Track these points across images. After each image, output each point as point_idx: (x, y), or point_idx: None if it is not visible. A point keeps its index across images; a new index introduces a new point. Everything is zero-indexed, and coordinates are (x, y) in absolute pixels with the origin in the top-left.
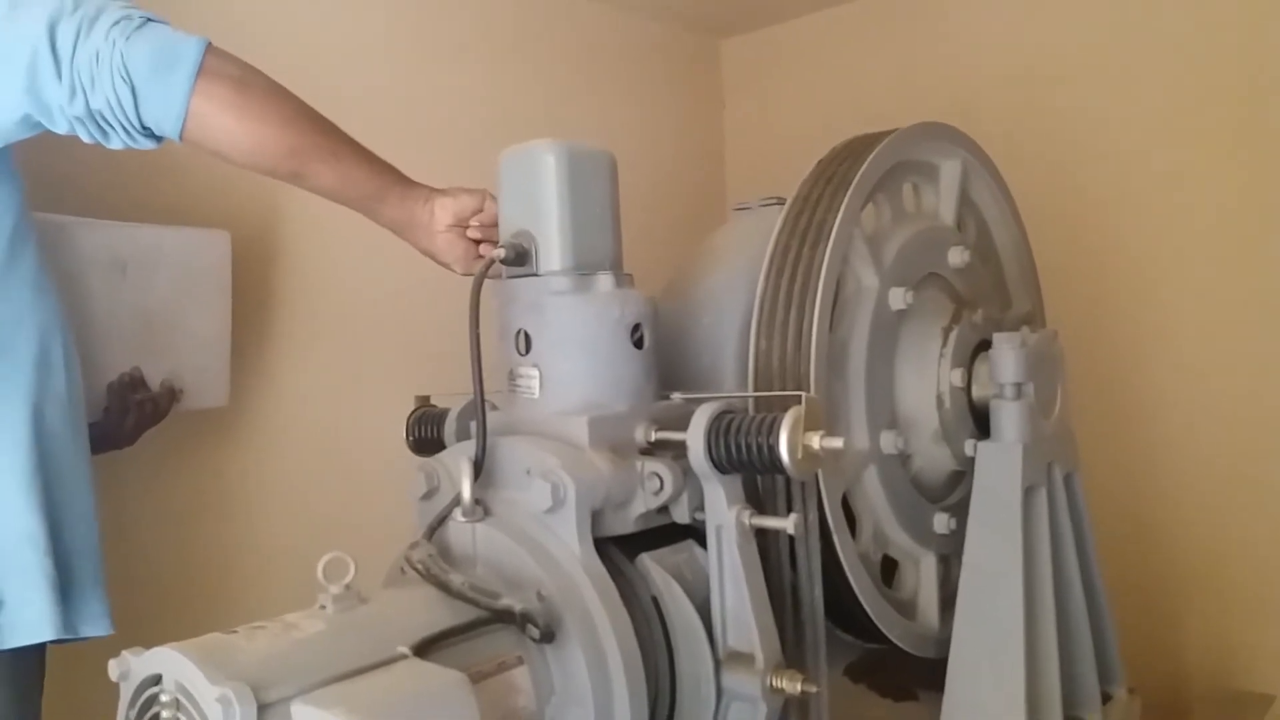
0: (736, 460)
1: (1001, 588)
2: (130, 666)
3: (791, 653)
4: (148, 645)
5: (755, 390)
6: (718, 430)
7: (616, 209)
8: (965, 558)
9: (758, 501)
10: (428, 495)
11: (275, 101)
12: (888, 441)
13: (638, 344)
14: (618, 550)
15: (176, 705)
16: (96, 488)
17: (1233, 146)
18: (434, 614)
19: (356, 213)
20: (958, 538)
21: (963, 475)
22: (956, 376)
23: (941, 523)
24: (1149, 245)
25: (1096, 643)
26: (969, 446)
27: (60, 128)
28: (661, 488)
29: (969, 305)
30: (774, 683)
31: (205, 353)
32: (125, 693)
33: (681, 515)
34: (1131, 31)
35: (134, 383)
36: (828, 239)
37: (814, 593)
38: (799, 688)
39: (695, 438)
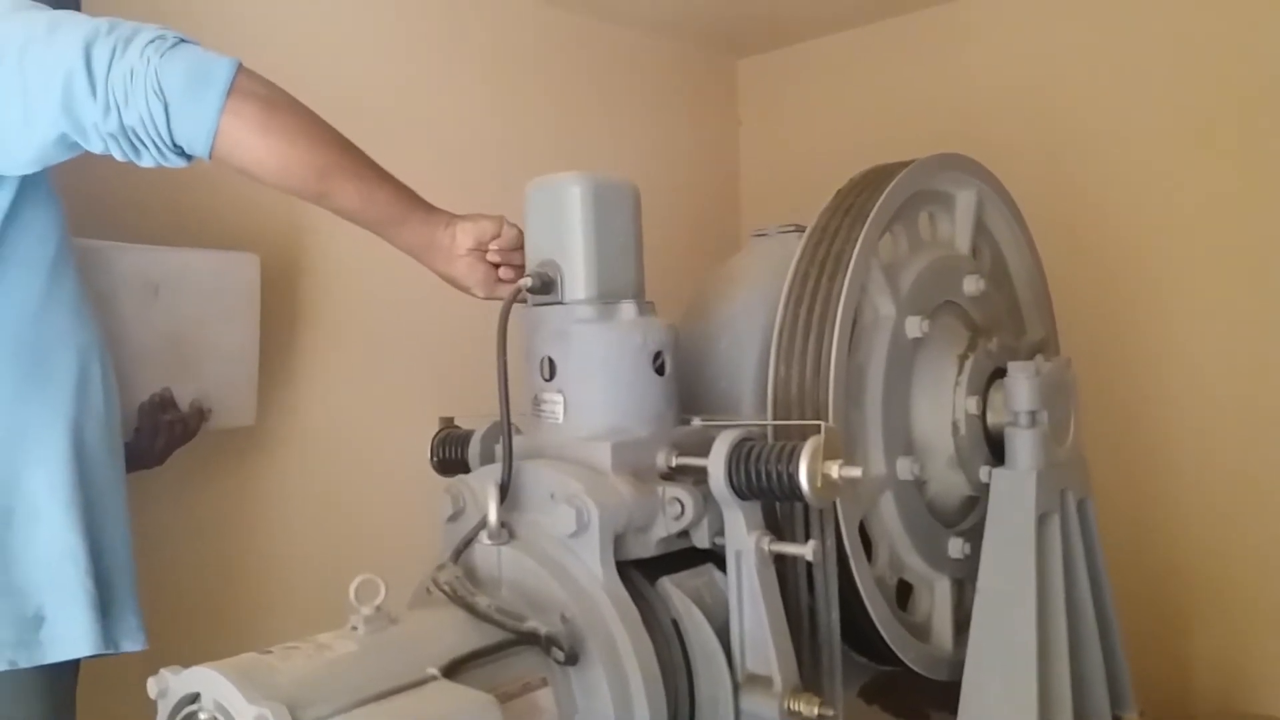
0: (756, 487)
1: (1015, 612)
2: (169, 684)
3: (808, 675)
4: (175, 660)
5: (774, 416)
6: (738, 457)
7: (639, 239)
8: (979, 582)
9: (776, 527)
10: (454, 517)
11: (303, 122)
12: (904, 468)
13: (659, 371)
14: (639, 574)
15: None
16: (129, 505)
17: (1248, 173)
18: (461, 636)
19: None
20: (972, 562)
21: (977, 501)
22: (972, 404)
23: (956, 547)
24: (1163, 271)
25: (1108, 667)
26: (984, 473)
27: (95, 146)
28: (682, 513)
29: (984, 333)
30: (791, 705)
31: (233, 373)
32: (163, 710)
33: (701, 540)
34: (1145, 58)
35: (164, 403)
36: (846, 269)
37: (831, 617)
38: (816, 710)
39: (716, 464)
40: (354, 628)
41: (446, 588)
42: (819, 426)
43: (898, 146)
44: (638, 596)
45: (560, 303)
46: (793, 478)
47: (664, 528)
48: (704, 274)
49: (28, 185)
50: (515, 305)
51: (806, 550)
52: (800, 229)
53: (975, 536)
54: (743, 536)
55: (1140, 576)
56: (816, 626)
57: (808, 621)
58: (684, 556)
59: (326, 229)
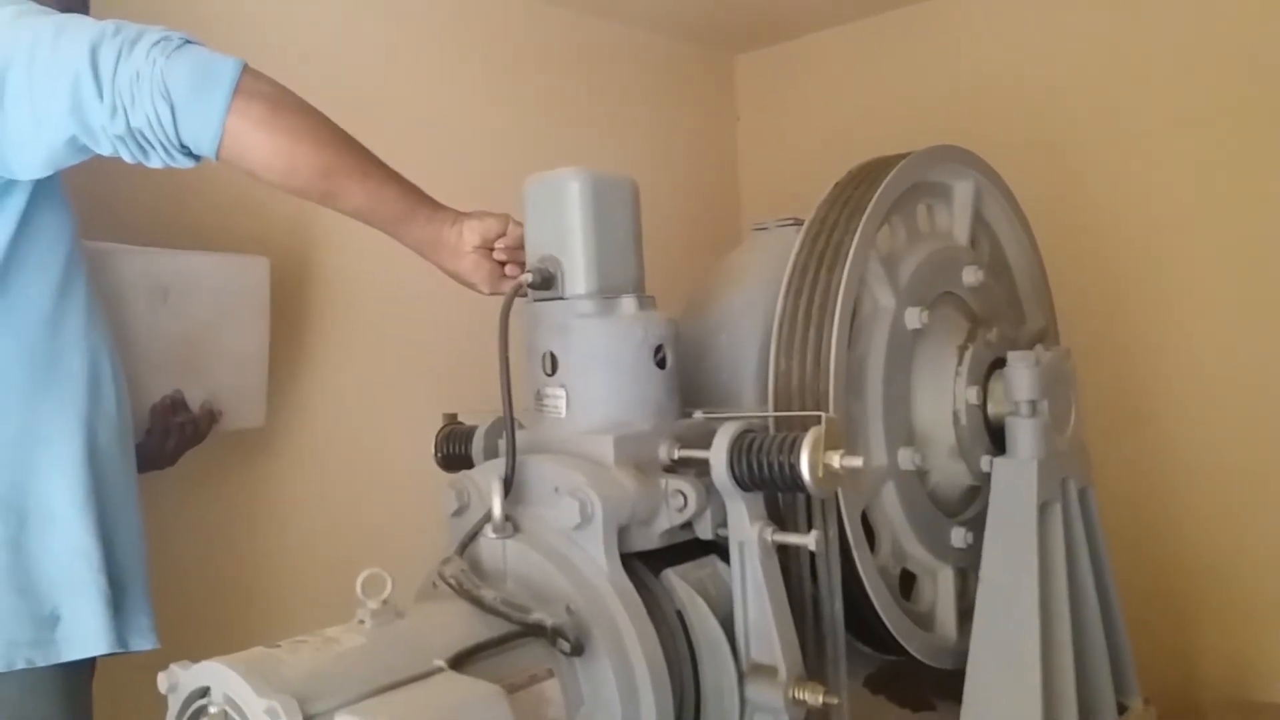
0: (758, 478)
1: (1017, 600)
2: (179, 679)
3: (813, 665)
4: (186, 658)
5: (775, 408)
6: (740, 449)
7: (639, 234)
8: (982, 571)
9: (779, 518)
10: (458, 512)
11: (308, 122)
12: (905, 458)
13: (660, 364)
14: (643, 566)
15: (225, 717)
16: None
17: (1245, 160)
18: (468, 628)
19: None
20: (974, 551)
21: (979, 490)
22: (972, 394)
23: (958, 537)
24: (1160, 259)
25: (1112, 654)
26: (985, 462)
27: (104, 148)
28: (685, 504)
29: (984, 323)
30: (796, 694)
31: (243, 375)
32: (174, 705)
33: (704, 531)
34: (1143, 50)
35: (175, 405)
36: (845, 261)
37: (834, 606)
38: (820, 699)
39: (718, 456)
40: (361, 621)
41: (452, 581)
42: (820, 417)
43: (895, 140)
44: (642, 588)
45: (561, 298)
46: (794, 468)
47: (667, 520)
48: (704, 268)
49: (40, 191)
50: (516, 301)
51: (809, 540)
52: (799, 222)
53: (978, 526)
54: (745, 528)
55: (1144, 565)
56: (820, 616)
57: (811, 611)
58: (687, 548)
59: (333, 230)
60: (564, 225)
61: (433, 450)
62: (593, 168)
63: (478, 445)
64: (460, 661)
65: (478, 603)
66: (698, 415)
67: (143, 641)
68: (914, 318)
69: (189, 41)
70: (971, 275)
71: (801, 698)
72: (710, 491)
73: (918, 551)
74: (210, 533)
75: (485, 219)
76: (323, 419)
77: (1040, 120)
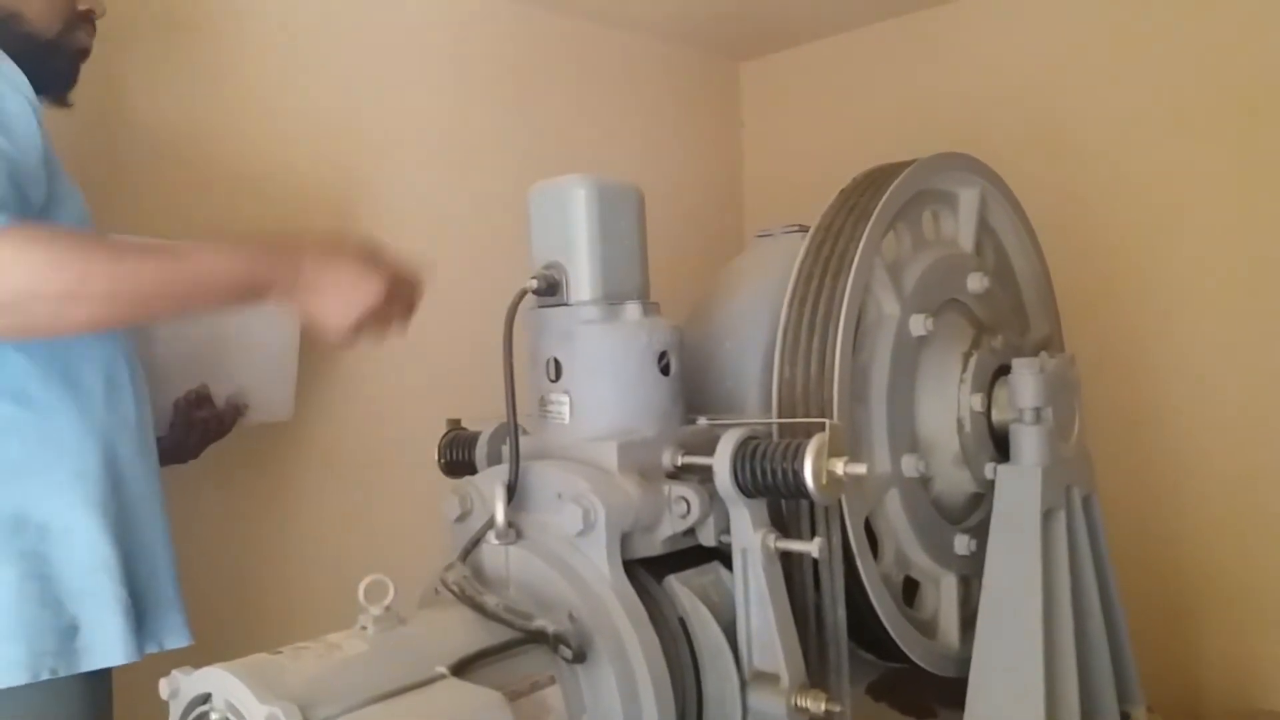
0: (762, 485)
1: (1021, 608)
2: (180, 685)
3: (815, 672)
4: (207, 657)
5: (779, 415)
6: (743, 456)
7: (644, 241)
8: (985, 579)
9: (782, 525)
10: (461, 518)
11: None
12: (909, 465)
13: (664, 371)
14: (646, 572)
15: None
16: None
17: (1248, 167)
18: (470, 635)
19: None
20: (978, 559)
21: (982, 497)
22: (976, 401)
23: (962, 544)
24: (1165, 267)
25: (1115, 662)
26: (989, 469)
27: None
28: (688, 511)
29: (988, 330)
30: (799, 702)
31: (272, 368)
32: (175, 711)
33: (708, 538)
34: (1148, 57)
35: (200, 400)
36: (850, 268)
37: (837, 614)
38: (823, 707)
39: (721, 463)
40: (364, 628)
41: (455, 587)
42: (824, 424)
43: (900, 147)
44: (645, 595)
45: (565, 304)
46: (798, 475)
47: (670, 526)
48: (708, 275)
49: (52, 198)
50: (521, 307)
51: (812, 547)
52: (804, 229)
53: (981, 533)
54: (749, 534)
55: (1147, 573)
56: (823, 624)
57: (814, 619)
58: (690, 555)
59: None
60: (569, 232)
61: (436, 456)
62: (597, 175)
63: (481, 451)
64: (462, 668)
65: (480, 609)
66: (701, 422)
67: (175, 639)
68: (919, 325)
69: None
70: (976, 282)
71: (804, 705)
72: (713, 498)
73: (921, 559)
74: (216, 529)
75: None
76: (331, 420)
77: (1045, 127)
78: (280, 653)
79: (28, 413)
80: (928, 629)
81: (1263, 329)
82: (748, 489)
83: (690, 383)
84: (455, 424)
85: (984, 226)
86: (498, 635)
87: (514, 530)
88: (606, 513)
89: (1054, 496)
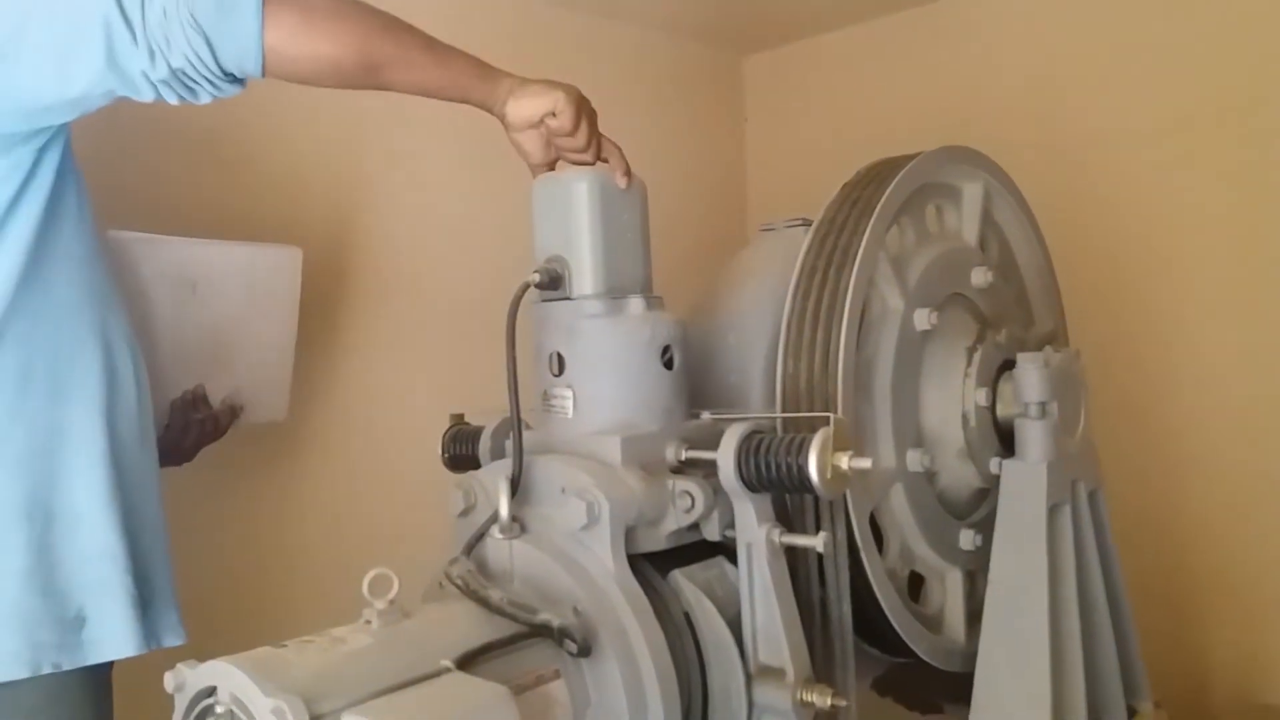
0: (766, 479)
1: (1027, 603)
2: (186, 678)
3: (820, 667)
4: (197, 654)
5: (783, 409)
6: (748, 450)
7: (646, 234)
8: (991, 574)
9: (787, 519)
10: (465, 512)
11: (342, 19)
12: (914, 460)
13: (668, 365)
14: (650, 567)
15: (231, 717)
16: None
17: (1255, 160)
18: (474, 628)
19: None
20: (983, 553)
21: (988, 492)
22: (981, 396)
23: (967, 539)
24: (1170, 261)
25: (1121, 657)
26: (994, 464)
27: (146, 95)
28: (692, 506)
29: (993, 325)
30: (804, 697)
31: (268, 368)
32: (180, 704)
33: (712, 533)
34: (1153, 50)
35: (196, 400)
36: (853, 262)
37: (842, 608)
38: (829, 701)
39: (725, 457)
40: (368, 621)
41: (459, 581)
42: (828, 418)
43: (904, 141)
44: (649, 589)
45: (568, 298)
46: (802, 469)
47: (674, 521)
48: (711, 269)
49: (62, 180)
50: (524, 302)
51: (817, 542)
52: (807, 223)
53: (986, 528)
54: (753, 529)
55: (1154, 568)
56: (828, 618)
57: (819, 613)
58: (695, 549)
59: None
60: (571, 225)
61: (439, 450)
62: (600, 169)
63: (484, 445)
64: (467, 662)
65: (484, 603)
66: (705, 416)
67: (172, 637)
68: (923, 319)
69: None
70: (980, 276)
71: (809, 700)
72: (718, 493)
73: (926, 553)
74: (216, 529)
75: (535, 99)
76: (332, 416)
77: (1049, 121)
78: (285, 646)
79: (38, 395)
80: (933, 624)
81: (1269, 322)
82: (752, 484)
83: (694, 377)
84: (458, 419)
85: (988, 220)
86: (502, 629)
87: (518, 525)
88: (610, 507)
89: (1059, 491)
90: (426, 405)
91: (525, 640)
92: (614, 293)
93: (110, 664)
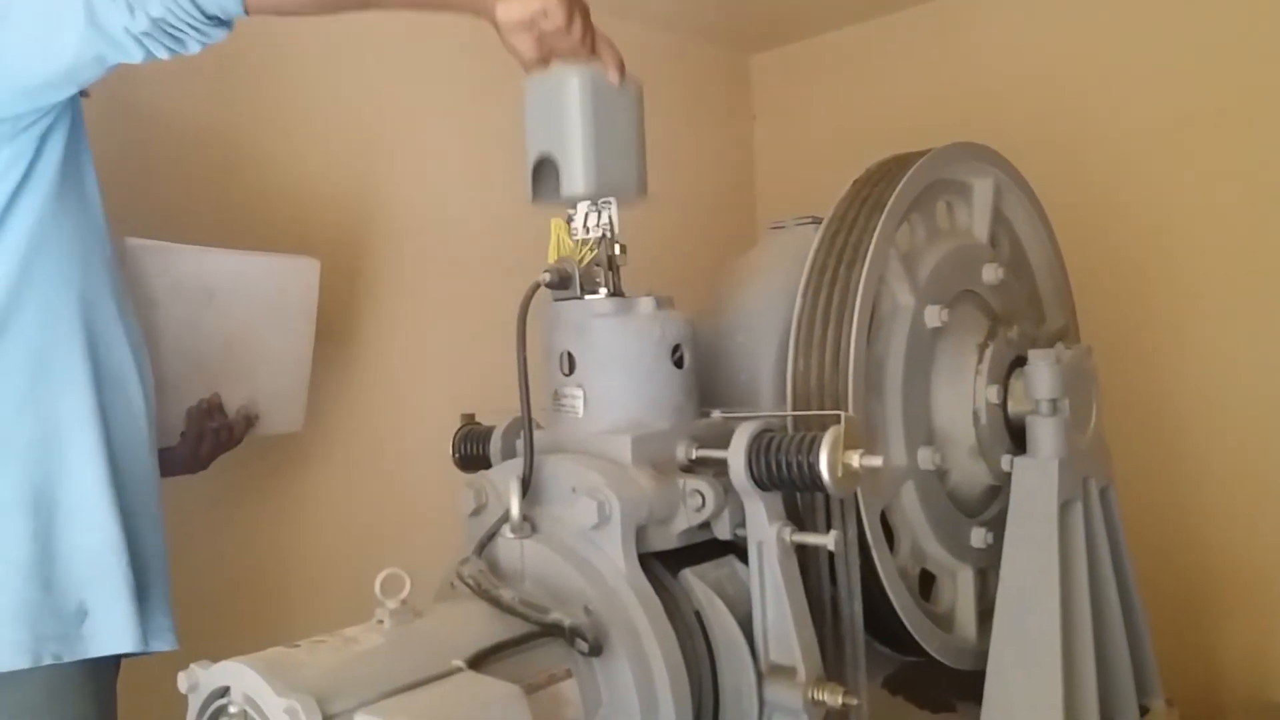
0: (777, 478)
1: (1038, 601)
2: (199, 679)
3: (831, 666)
4: (211, 656)
5: (793, 407)
6: (758, 448)
7: (642, 138)
8: (1002, 571)
9: (797, 518)
10: (476, 512)
11: None
12: (925, 458)
13: (678, 364)
14: (661, 566)
15: (244, 716)
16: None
17: (1267, 157)
18: (486, 628)
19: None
20: (994, 551)
21: (999, 490)
22: (992, 393)
23: (978, 537)
24: (1181, 257)
25: (1133, 655)
26: (1005, 462)
27: (135, 54)
28: (703, 504)
29: (1004, 322)
30: (815, 695)
31: (285, 378)
32: (194, 704)
33: (723, 531)
34: (1164, 45)
35: (211, 410)
36: (864, 259)
37: (854, 607)
38: (840, 700)
39: (736, 456)
40: (380, 621)
41: (470, 581)
42: (839, 416)
43: (913, 138)
44: (660, 588)
45: (578, 297)
46: (813, 467)
47: (685, 520)
48: (721, 267)
49: (65, 182)
50: (534, 301)
51: (828, 540)
52: (817, 221)
53: (998, 526)
54: (764, 527)
55: (1166, 565)
56: (839, 617)
57: (830, 612)
58: (705, 548)
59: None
60: (562, 123)
61: (450, 450)
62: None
63: (495, 445)
64: (479, 661)
65: (496, 602)
66: (715, 415)
67: (161, 642)
68: (934, 316)
69: None
70: (991, 273)
71: (821, 698)
72: (728, 491)
73: (937, 552)
74: (234, 533)
75: (523, 1)
76: (343, 418)
77: (1059, 117)
78: (297, 646)
79: (46, 390)
80: (944, 622)
81: None
82: (763, 482)
83: (704, 376)
84: (469, 419)
85: (998, 217)
86: (513, 629)
87: (529, 524)
88: (621, 506)
89: (1071, 488)
90: (437, 405)
91: (537, 640)
92: (604, 191)
93: (115, 665)
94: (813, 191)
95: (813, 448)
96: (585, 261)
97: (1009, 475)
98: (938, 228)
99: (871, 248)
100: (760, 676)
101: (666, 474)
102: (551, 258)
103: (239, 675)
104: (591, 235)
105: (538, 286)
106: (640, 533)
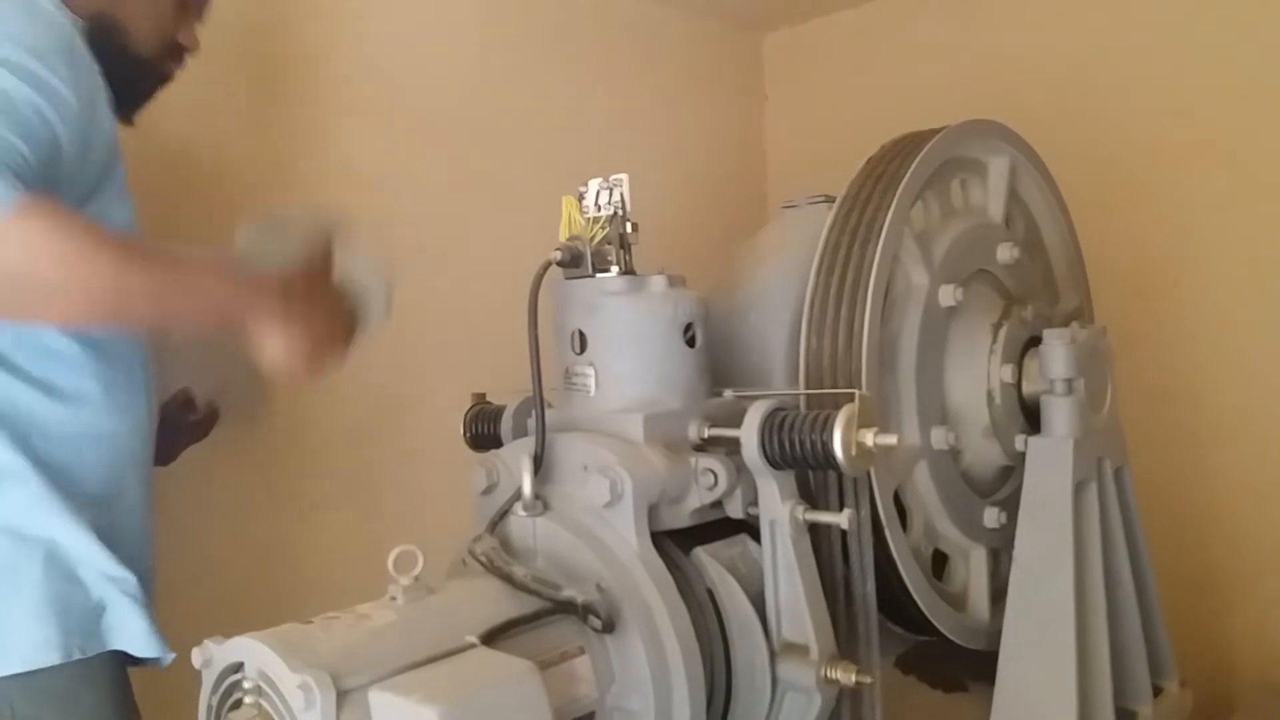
0: (790, 456)
1: (1052, 581)
2: (212, 654)
3: (844, 644)
4: (224, 633)
5: (806, 386)
6: (771, 427)
7: None
8: (1016, 552)
9: (810, 496)
10: (488, 490)
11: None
12: (938, 437)
13: (690, 343)
14: (673, 544)
15: (258, 692)
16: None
17: None
18: (499, 605)
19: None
20: (1008, 532)
21: (1012, 470)
22: (1007, 372)
23: (992, 517)
24: (1196, 236)
25: (1147, 636)
26: (1019, 442)
27: None
28: (715, 483)
29: (1018, 301)
30: (828, 673)
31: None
32: (208, 680)
33: (735, 510)
34: (1181, 23)
35: (188, 403)
36: (878, 237)
37: (866, 586)
38: (853, 678)
39: (749, 434)
40: (393, 598)
41: (483, 558)
42: (853, 395)
43: (926, 118)
44: (672, 566)
45: (590, 276)
46: (827, 446)
47: (697, 498)
48: (733, 247)
49: (109, 192)
50: (546, 279)
51: (841, 519)
52: (829, 199)
53: (1011, 506)
54: (777, 506)
55: (1180, 547)
56: (852, 596)
57: (843, 591)
58: (718, 527)
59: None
60: None
61: (462, 430)
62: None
63: (506, 424)
64: (492, 638)
65: (508, 580)
66: (728, 394)
67: (146, 648)
68: (948, 295)
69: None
70: (1006, 253)
71: (834, 676)
72: (740, 470)
73: (950, 531)
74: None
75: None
76: (355, 395)
77: (1075, 96)
78: (311, 623)
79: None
80: (957, 602)
81: None
82: (776, 461)
83: (716, 356)
84: (480, 398)
85: (1013, 196)
86: (526, 606)
87: (541, 502)
88: (634, 484)
89: (1085, 469)
90: (449, 385)
91: (549, 617)
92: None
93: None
94: (825, 171)
95: (826, 426)
96: (597, 240)
97: (1023, 455)
98: (952, 207)
99: (886, 225)
100: (773, 654)
101: (679, 453)
102: (563, 236)
103: (253, 651)
104: (603, 213)
105: (549, 265)
106: (652, 511)
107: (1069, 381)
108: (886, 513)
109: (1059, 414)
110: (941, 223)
